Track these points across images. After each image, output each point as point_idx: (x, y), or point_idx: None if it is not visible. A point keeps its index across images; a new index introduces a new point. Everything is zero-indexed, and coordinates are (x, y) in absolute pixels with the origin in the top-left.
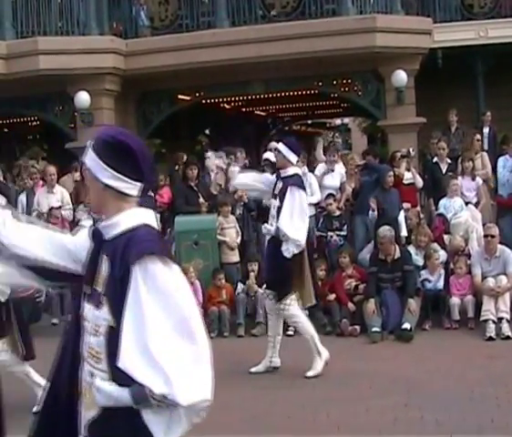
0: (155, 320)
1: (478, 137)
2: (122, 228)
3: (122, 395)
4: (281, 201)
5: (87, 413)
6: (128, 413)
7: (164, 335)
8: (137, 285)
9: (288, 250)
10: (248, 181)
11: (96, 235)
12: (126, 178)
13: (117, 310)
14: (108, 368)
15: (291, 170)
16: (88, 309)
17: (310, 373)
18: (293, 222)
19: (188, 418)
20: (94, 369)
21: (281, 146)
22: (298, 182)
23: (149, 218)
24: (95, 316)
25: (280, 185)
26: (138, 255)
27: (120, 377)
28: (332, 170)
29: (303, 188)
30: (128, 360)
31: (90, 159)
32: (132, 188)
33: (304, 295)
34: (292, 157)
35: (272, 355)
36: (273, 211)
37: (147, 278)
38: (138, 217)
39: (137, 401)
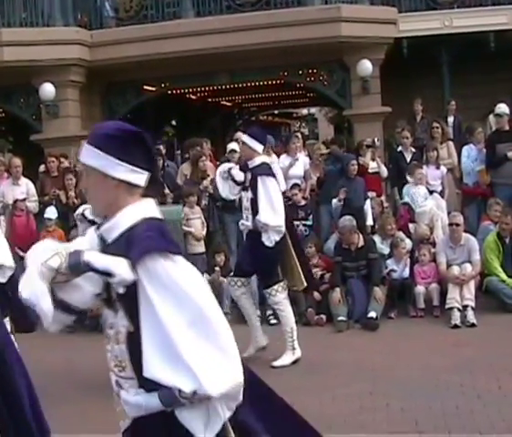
0: (170, 320)
1: (436, 125)
2: (121, 229)
3: (151, 402)
4: (254, 192)
5: (121, 423)
6: (161, 417)
7: (182, 331)
8: (144, 288)
9: (269, 239)
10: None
11: (100, 240)
12: (139, 169)
13: (133, 315)
14: (134, 374)
15: (257, 160)
16: (109, 316)
17: (276, 363)
18: (271, 210)
19: (225, 406)
20: (119, 378)
21: (245, 137)
22: (267, 170)
23: (150, 208)
24: (115, 322)
25: (249, 176)
26: (136, 257)
27: (147, 383)
28: (297, 160)
29: (273, 175)
30: (152, 366)
31: (96, 159)
32: (143, 177)
33: (294, 279)
34: (258, 147)
35: (257, 334)
36: (247, 203)
37: (151, 278)
38: (138, 211)
39: (167, 404)
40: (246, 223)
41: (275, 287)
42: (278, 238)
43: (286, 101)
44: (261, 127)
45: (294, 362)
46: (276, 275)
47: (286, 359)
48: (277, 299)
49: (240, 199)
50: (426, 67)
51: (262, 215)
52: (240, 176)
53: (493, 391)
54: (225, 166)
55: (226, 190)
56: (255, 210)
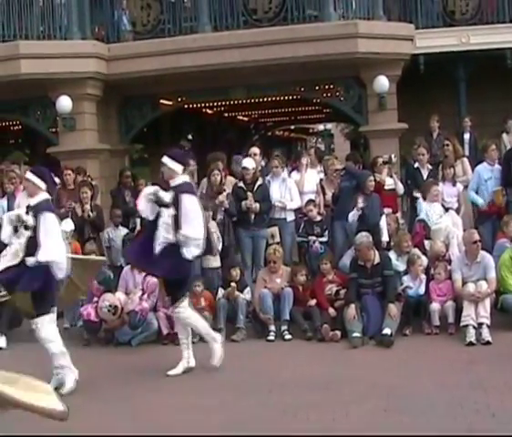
0: None
1: (447, 143)
2: None
3: None
4: (176, 209)
5: None
6: None
7: None
8: None
9: (189, 252)
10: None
11: None
12: None
13: None
14: None
15: (178, 179)
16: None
17: (213, 362)
18: (192, 224)
19: None
20: None
21: (165, 159)
22: (187, 188)
23: None
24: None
25: (172, 195)
26: None
27: None
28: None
29: (193, 193)
30: None
31: None
32: None
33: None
34: (177, 168)
35: (189, 356)
36: (168, 220)
37: None
38: None
39: None
40: (167, 236)
41: (180, 304)
42: (197, 253)
43: (302, 116)
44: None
45: (186, 371)
46: (184, 289)
47: (217, 354)
48: (182, 315)
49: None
50: (443, 84)
51: (185, 228)
52: (167, 197)
53: (508, 409)
54: (151, 188)
55: (148, 211)
56: (177, 226)
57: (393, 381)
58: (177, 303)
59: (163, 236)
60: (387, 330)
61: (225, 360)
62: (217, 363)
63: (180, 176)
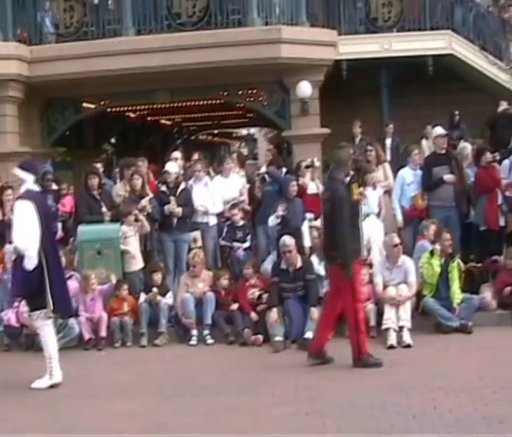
0: None
1: (370, 148)
2: None
3: None
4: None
5: None
6: None
7: None
8: None
9: (28, 263)
10: None
11: None
12: None
13: None
14: None
15: (22, 188)
16: None
17: (34, 384)
18: (16, 233)
19: None
20: None
21: (16, 170)
22: (24, 195)
23: None
24: None
25: None
26: None
27: None
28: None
29: (29, 199)
30: None
31: None
32: None
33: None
34: (27, 177)
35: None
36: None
37: None
38: None
39: None
40: (9, 247)
41: (37, 312)
42: (32, 262)
43: (226, 121)
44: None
45: (51, 387)
46: (40, 300)
47: (43, 382)
48: (38, 324)
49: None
50: (366, 90)
51: (15, 239)
52: None
53: (428, 411)
54: None
55: None
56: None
57: (315, 383)
58: (33, 313)
59: (6, 248)
60: (309, 334)
61: (148, 364)
62: (33, 386)
63: (27, 184)
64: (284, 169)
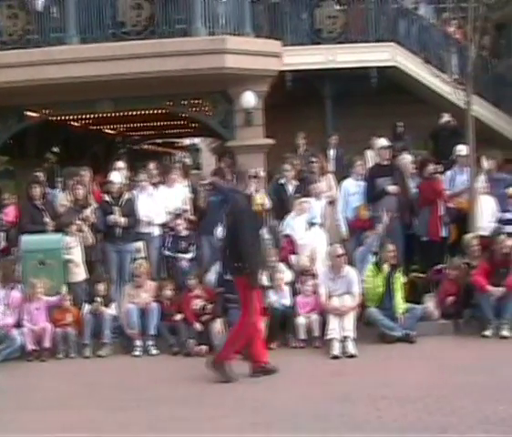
0: None
1: (314, 159)
2: None
3: None
4: None
5: None
6: None
7: None
8: None
9: None
10: None
11: None
12: None
13: None
14: None
15: None
16: None
17: None
18: None
19: None
20: None
21: None
22: None
23: None
24: None
25: None
26: None
27: None
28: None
29: None
30: None
31: None
32: None
33: None
34: None
35: None
36: None
37: None
38: None
39: None
40: None
41: None
42: None
43: (170, 131)
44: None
45: None
46: None
47: None
48: None
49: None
50: (310, 101)
51: None
52: None
53: (372, 420)
54: None
55: None
56: None
57: (260, 394)
58: None
59: None
60: None
61: (92, 376)
62: None
63: None
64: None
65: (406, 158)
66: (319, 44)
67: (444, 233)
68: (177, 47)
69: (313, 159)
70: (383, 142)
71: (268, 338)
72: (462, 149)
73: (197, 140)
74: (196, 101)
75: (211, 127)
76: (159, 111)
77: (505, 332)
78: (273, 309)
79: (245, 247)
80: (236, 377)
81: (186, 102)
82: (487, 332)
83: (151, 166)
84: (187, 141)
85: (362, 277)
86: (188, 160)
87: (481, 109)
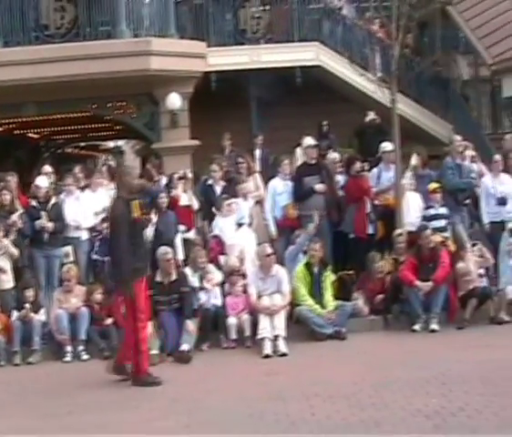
0: None
1: (241, 160)
2: None
3: None
4: None
5: None
6: None
7: None
8: None
9: None
10: None
11: None
12: None
13: None
14: None
15: None
16: None
17: None
18: None
19: None
20: None
21: None
22: None
23: None
24: None
25: None
26: None
27: None
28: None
29: None
30: None
31: None
32: None
33: None
34: None
35: None
36: None
37: None
38: None
39: None
40: None
41: None
42: None
43: (95, 133)
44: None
45: None
46: None
47: None
48: None
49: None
50: (235, 101)
51: None
52: None
53: (306, 418)
54: None
55: None
56: None
57: (193, 396)
58: None
59: None
60: (185, 346)
61: (22, 383)
62: None
63: None
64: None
65: (333, 157)
66: (243, 44)
67: (371, 230)
68: (101, 50)
69: (240, 160)
70: (309, 141)
71: (200, 339)
72: (387, 146)
73: (121, 142)
74: (121, 103)
75: (137, 129)
76: (84, 114)
77: (433, 326)
78: (204, 311)
79: (119, 254)
80: (159, 379)
81: (111, 104)
82: (416, 327)
83: (77, 169)
84: (111, 144)
85: (292, 275)
86: (112, 163)
87: (405, 107)
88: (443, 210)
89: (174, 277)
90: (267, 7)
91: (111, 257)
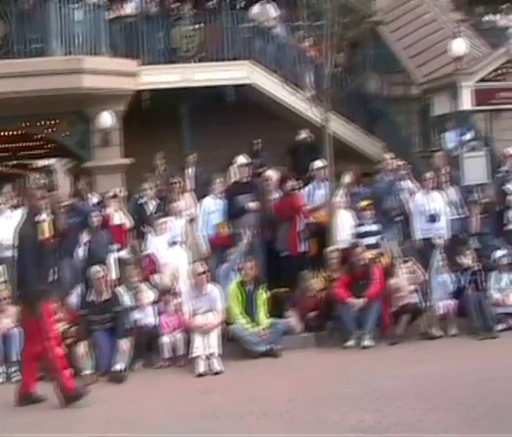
0: None
1: (174, 179)
2: None
3: None
4: None
5: None
6: None
7: None
8: None
9: None
10: None
11: None
12: None
13: None
14: None
15: None
16: None
17: None
18: None
19: None
20: None
21: None
22: None
23: None
24: None
25: None
26: None
27: None
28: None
29: None
30: None
31: None
32: None
33: None
34: None
35: None
36: None
37: None
38: None
39: None
40: None
41: None
42: None
43: (26, 152)
44: None
45: None
46: None
47: None
48: None
49: None
50: (168, 120)
51: None
52: None
53: (241, 436)
54: None
55: None
56: None
57: (127, 416)
58: None
59: None
60: (119, 366)
61: None
62: None
63: None
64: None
65: (267, 174)
66: (176, 63)
67: (303, 248)
68: (32, 68)
69: (172, 179)
70: (241, 159)
71: (134, 358)
72: (318, 164)
73: (51, 161)
74: (52, 122)
75: (68, 147)
76: (14, 132)
77: (366, 342)
78: (138, 330)
79: (25, 275)
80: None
81: (42, 122)
82: (349, 343)
83: (7, 188)
84: (41, 162)
85: (225, 293)
86: (43, 182)
87: (338, 125)
88: (374, 227)
89: (107, 296)
90: (199, 26)
91: (18, 278)
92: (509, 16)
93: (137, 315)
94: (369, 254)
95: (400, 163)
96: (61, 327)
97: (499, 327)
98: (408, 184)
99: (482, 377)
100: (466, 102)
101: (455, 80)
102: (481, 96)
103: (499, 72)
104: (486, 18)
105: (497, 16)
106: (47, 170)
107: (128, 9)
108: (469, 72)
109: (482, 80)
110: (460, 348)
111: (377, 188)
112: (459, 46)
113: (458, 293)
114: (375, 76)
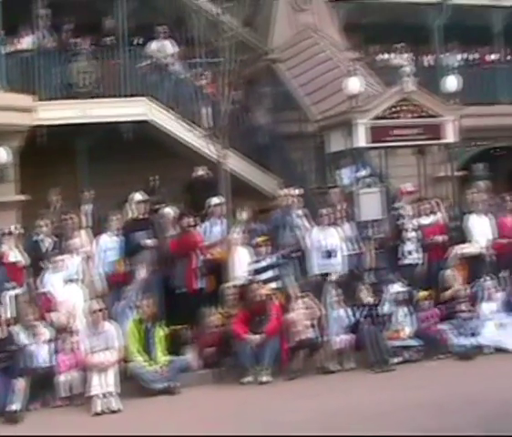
0: None
1: (66, 216)
2: None
3: None
4: None
5: None
6: None
7: None
8: None
9: None
10: None
11: None
12: None
13: None
14: None
15: None
16: None
17: None
18: None
19: None
20: None
21: None
22: None
23: None
24: None
25: None
26: None
27: None
28: None
29: None
30: None
31: None
32: None
33: None
34: None
35: None
36: None
37: None
38: None
39: None
40: None
41: None
42: None
43: None
44: None
45: None
46: None
47: None
48: None
49: None
50: (65, 156)
51: None
52: None
53: None
54: None
55: None
56: None
57: None
58: None
59: None
60: (14, 406)
61: None
62: None
63: None
64: None
65: (165, 211)
66: (73, 98)
67: (200, 284)
68: None
69: (65, 215)
70: (138, 196)
71: (30, 398)
72: (215, 201)
73: None
74: None
75: None
76: None
77: (264, 378)
78: (33, 369)
79: None
80: None
81: None
82: (247, 379)
83: None
84: None
85: (123, 331)
86: None
87: (235, 162)
88: (270, 263)
89: (2, 335)
90: (96, 62)
91: None
92: (403, 56)
93: (32, 354)
94: (265, 290)
95: (296, 199)
96: None
97: (395, 360)
98: (304, 222)
99: (379, 410)
100: (362, 139)
101: (351, 118)
102: (376, 134)
103: (393, 109)
104: (381, 57)
105: (392, 55)
106: None
107: (25, 44)
108: (364, 109)
109: (377, 118)
110: (357, 381)
111: (273, 223)
112: (354, 85)
113: (355, 328)
114: (271, 112)
